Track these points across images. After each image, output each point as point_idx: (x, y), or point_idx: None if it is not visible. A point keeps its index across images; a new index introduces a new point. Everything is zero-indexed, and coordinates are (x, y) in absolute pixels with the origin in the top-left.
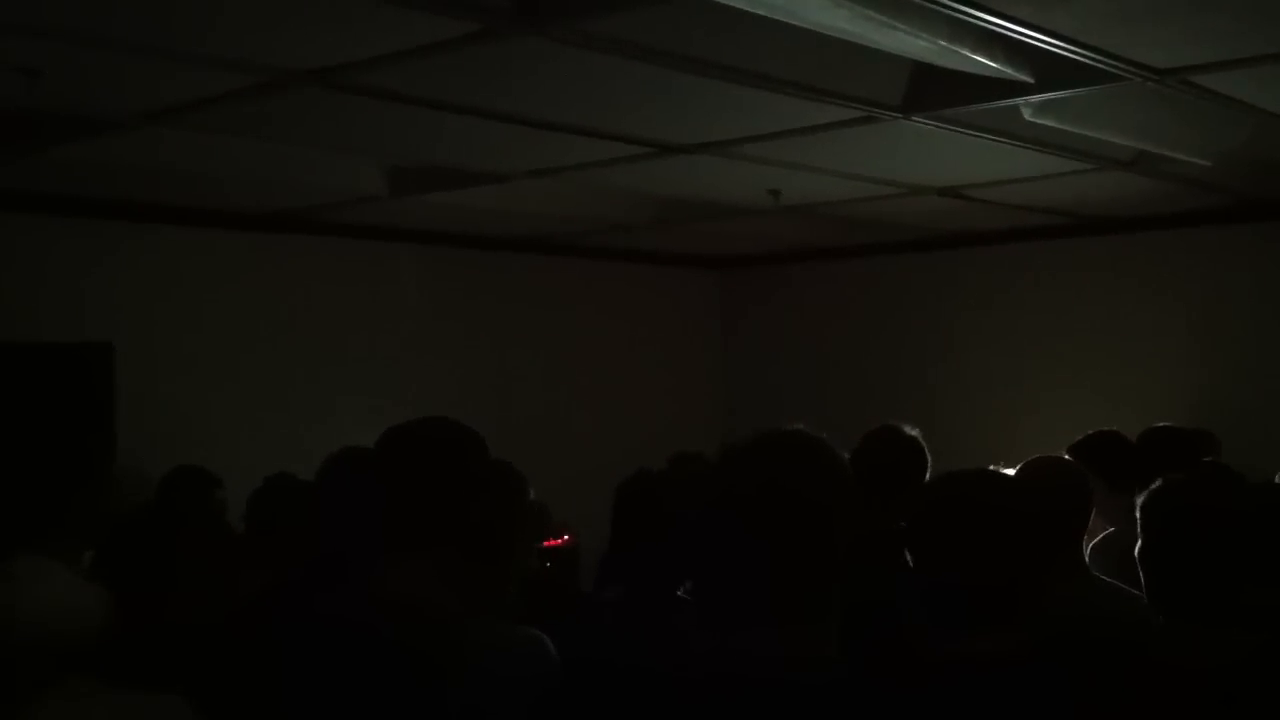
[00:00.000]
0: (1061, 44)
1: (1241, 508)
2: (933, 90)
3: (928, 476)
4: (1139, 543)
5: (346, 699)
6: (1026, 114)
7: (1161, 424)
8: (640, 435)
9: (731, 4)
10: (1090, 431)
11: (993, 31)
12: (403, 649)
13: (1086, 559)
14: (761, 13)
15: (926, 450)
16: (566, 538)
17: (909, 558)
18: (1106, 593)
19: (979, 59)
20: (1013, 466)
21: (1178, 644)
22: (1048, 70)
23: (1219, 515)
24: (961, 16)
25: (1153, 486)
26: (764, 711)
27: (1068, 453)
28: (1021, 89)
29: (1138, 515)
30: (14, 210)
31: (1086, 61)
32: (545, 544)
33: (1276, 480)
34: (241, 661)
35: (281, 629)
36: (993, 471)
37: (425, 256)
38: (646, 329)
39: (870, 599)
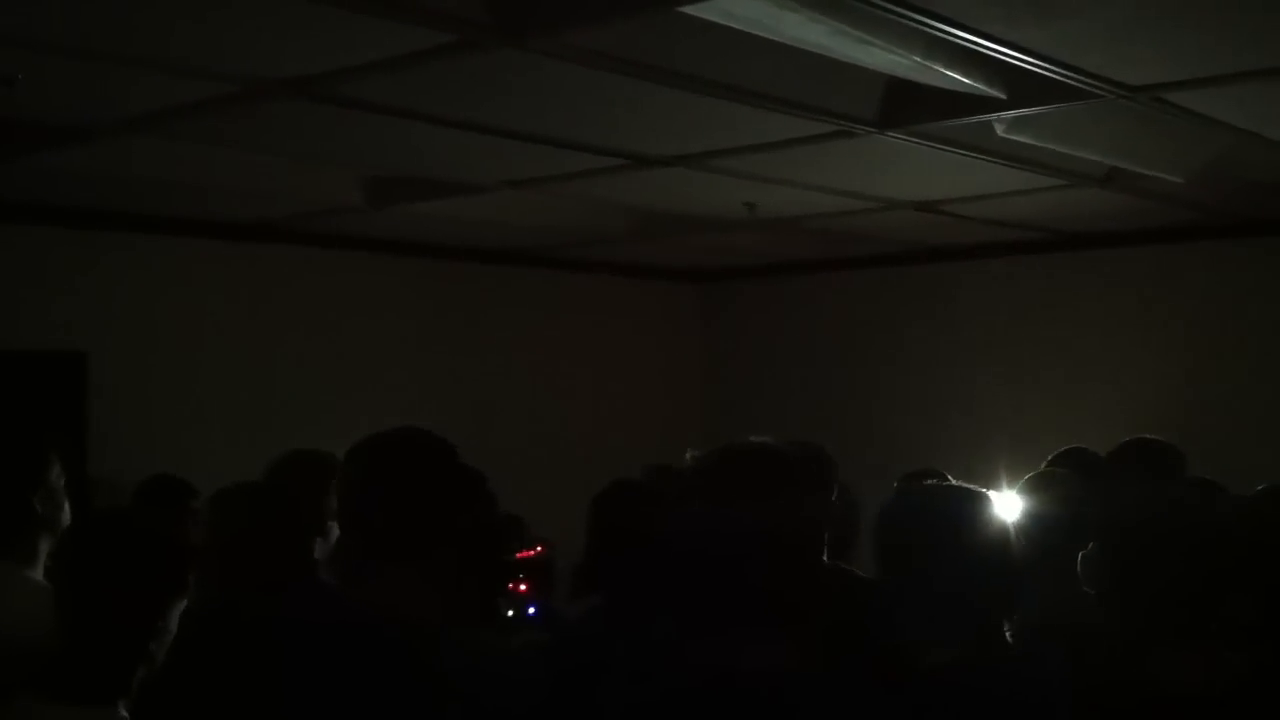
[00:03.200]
0: (1035, 61)
1: (1214, 517)
2: (908, 105)
3: None
4: (1094, 553)
5: (351, 703)
6: (1000, 130)
7: (1130, 438)
8: (619, 448)
9: (709, 19)
10: (1061, 449)
11: (967, 48)
12: (404, 654)
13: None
14: (739, 28)
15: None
16: (541, 549)
17: (878, 563)
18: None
19: (953, 75)
20: (990, 478)
21: (1169, 665)
22: (1021, 87)
23: (1193, 524)
24: (936, 33)
25: (1116, 496)
26: (763, 712)
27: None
28: (995, 105)
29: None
30: None
31: (1060, 78)
32: (520, 555)
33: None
34: (226, 669)
35: (276, 635)
36: (966, 486)
37: (404, 267)
38: (627, 341)
39: (864, 602)
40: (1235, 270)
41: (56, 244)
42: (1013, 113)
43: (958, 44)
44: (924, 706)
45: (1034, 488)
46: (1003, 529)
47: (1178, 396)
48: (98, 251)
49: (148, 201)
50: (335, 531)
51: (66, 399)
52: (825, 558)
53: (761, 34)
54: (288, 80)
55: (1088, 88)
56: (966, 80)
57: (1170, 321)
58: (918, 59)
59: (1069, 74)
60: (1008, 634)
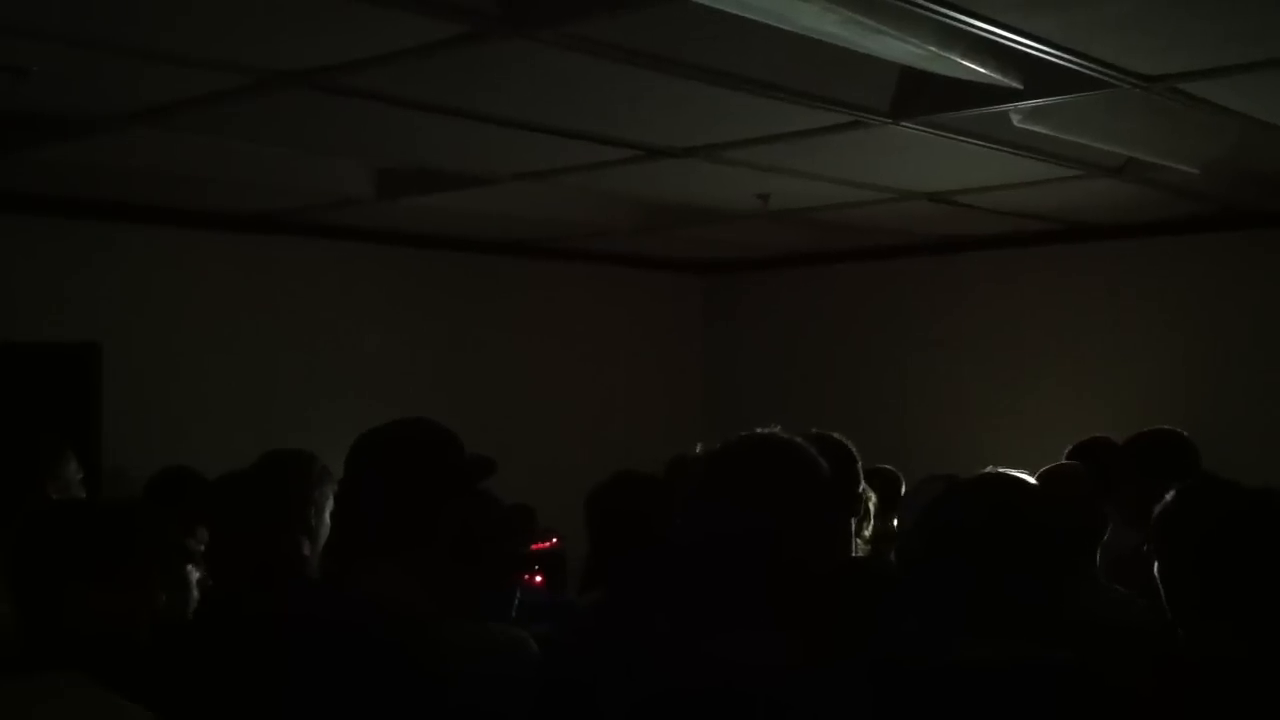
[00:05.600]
0: (1051, 50)
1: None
2: (922, 96)
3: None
4: (1163, 555)
5: (345, 701)
6: (1016, 120)
7: (1146, 430)
8: (621, 438)
9: (720, 8)
10: (1083, 439)
11: (982, 38)
12: (400, 649)
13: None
14: (751, 17)
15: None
16: (554, 540)
17: (900, 560)
18: (1118, 602)
19: (969, 65)
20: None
21: (1191, 646)
22: (1037, 77)
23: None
24: (951, 22)
25: (1178, 496)
26: (764, 712)
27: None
28: (1011, 95)
29: (1163, 525)
30: (1, 210)
31: (1075, 68)
32: (532, 547)
33: None
34: (225, 665)
35: (276, 632)
36: (1013, 478)
37: (411, 258)
38: (632, 332)
39: (873, 600)
40: (1249, 262)
41: (70, 236)
42: (1029, 103)
43: (973, 33)
44: (927, 706)
45: (1052, 482)
46: (1021, 526)
47: (1190, 388)
48: (111, 243)
49: (160, 193)
50: (324, 532)
51: (80, 390)
52: (846, 550)
53: (774, 24)
54: (297, 72)
55: (1104, 78)
56: (982, 70)
57: (1183, 313)
58: (932, 49)
59: (1085, 64)
60: (1020, 632)
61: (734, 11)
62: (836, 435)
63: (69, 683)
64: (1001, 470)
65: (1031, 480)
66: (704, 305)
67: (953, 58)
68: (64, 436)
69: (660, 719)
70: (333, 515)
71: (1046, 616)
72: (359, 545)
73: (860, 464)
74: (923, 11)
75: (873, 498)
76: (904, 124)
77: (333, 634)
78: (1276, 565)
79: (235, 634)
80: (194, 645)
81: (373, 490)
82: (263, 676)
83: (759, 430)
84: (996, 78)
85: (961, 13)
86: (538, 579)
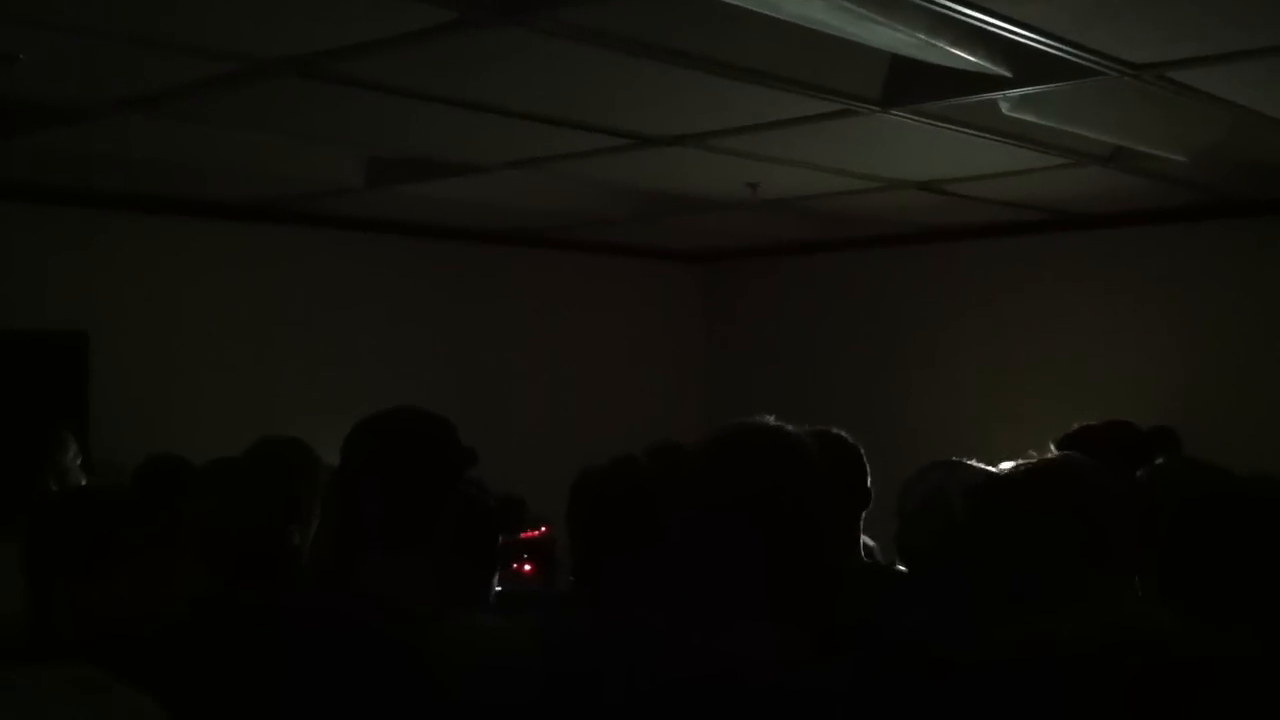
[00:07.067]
0: (1039, 38)
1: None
2: (912, 84)
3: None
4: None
5: (346, 697)
6: (1005, 109)
7: (1115, 420)
8: (619, 429)
9: None
10: (1072, 429)
11: (971, 26)
12: (401, 644)
13: None
14: (740, 4)
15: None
16: (544, 529)
17: (903, 553)
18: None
19: (958, 53)
20: (992, 459)
21: (1195, 643)
22: (1026, 65)
23: (1245, 504)
24: (940, 10)
25: (1159, 474)
26: (762, 712)
27: (1057, 446)
28: (1000, 83)
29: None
30: None
31: (1064, 56)
32: (522, 536)
33: None
34: (212, 660)
35: (262, 625)
36: (1019, 473)
37: (404, 248)
38: (628, 323)
39: (872, 599)
40: (1237, 251)
41: (58, 224)
42: (1018, 91)
43: (962, 21)
44: (932, 700)
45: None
46: (1026, 523)
47: (1179, 377)
48: (99, 232)
49: (149, 181)
50: (315, 523)
51: (68, 379)
52: (855, 544)
53: (763, 11)
54: (287, 59)
55: (1093, 65)
56: (971, 58)
57: (1172, 303)
58: (921, 36)
59: (1074, 51)
60: (1028, 630)
61: None
62: (837, 431)
63: (78, 675)
64: (1010, 464)
65: (1038, 469)
66: (703, 295)
67: (941, 45)
68: (61, 422)
69: (664, 712)
70: (327, 507)
71: (1053, 612)
72: (358, 539)
73: (865, 458)
74: None
75: None
76: (894, 112)
77: (333, 629)
78: (1258, 552)
79: (232, 626)
80: (189, 637)
81: (372, 484)
82: (261, 670)
83: (752, 419)
84: (985, 66)
85: (950, 0)
86: (527, 568)
